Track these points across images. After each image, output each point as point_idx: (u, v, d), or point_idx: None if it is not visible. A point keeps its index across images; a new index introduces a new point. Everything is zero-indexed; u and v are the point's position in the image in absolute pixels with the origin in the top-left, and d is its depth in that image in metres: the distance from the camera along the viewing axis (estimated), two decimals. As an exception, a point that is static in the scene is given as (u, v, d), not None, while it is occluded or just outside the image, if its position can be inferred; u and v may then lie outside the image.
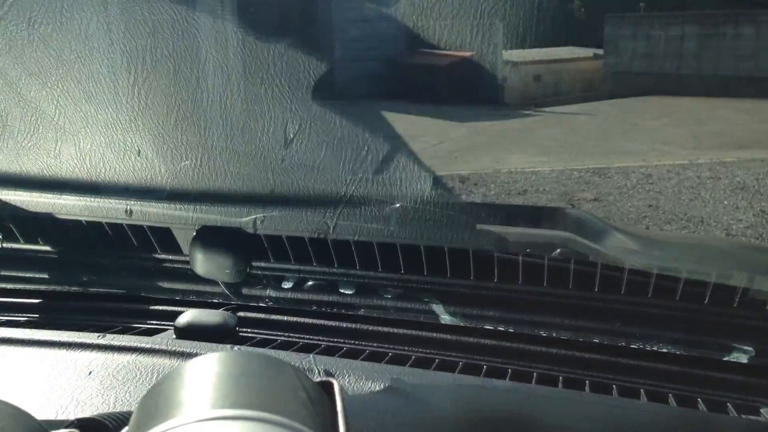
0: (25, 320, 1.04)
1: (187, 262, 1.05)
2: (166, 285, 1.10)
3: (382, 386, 0.76)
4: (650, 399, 0.77)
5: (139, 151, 0.98)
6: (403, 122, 0.95)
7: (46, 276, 1.15)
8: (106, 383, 0.80)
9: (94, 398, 0.77)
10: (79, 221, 1.12)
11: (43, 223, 1.14)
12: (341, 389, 0.37)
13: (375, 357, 0.88)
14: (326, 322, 0.99)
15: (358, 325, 0.96)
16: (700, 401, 0.77)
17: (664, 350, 0.85)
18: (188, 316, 0.96)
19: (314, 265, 1.03)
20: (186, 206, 1.01)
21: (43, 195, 1.05)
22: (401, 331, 0.95)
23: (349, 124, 0.93)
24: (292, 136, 0.94)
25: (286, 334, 0.98)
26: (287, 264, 1.05)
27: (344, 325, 0.97)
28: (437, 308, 0.96)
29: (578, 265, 0.90)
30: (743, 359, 0.82)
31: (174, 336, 0.95)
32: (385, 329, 0.95)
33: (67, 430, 0.45)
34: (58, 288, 1.14)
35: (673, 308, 0.87)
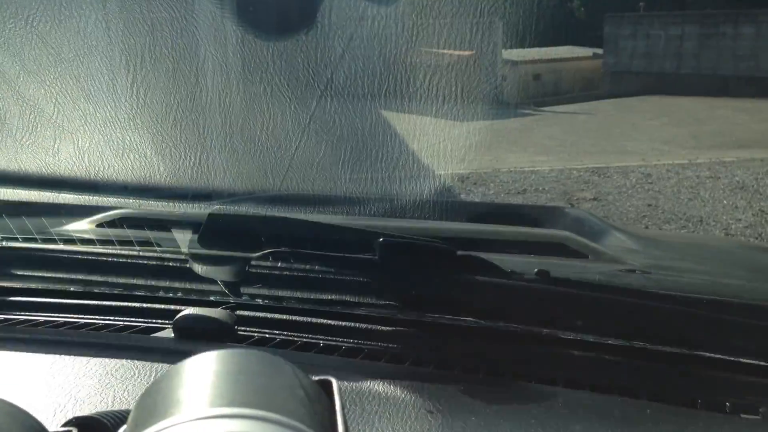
0: (24, 319, 1.04)
1: (186, 261, 1.05)
2: (164, 283, 1.10)
3: (380, 385, 0.76)
4: (649, 398, 0.77)
5: (138, 149, 0.98)
6: (402, 121, 0.95)
7: (44, 274, 1.15)
8: (105, 382, 0.80)
9: (93, 397, 0.77)
10: (78, 219, 1.12)
11: (41, 221, 1.13)
12: (339, 388, 0.37)
13: (374, 356, 0.88)
14: (325, 321, 0.99)
15: (357, 325, 0.96)
16: (699, 401, 0.77)
17: (663, 349, 0.85)
18: (187, 314, 0.96)
19: (313, 264, 1.03)
20: (185, 204, 1.01)
21: (42, 193, 1.05)
22: (400, 330, 0.95)
23: (348, 123, 0.92)
24: (291, 135, 0.94)
25: (285, 332, 0.98)
26: (286, 263, 1.05)
27: (343, 325, 0.97)
28: (436, 307, 0.96)
29: (577, 264, 0.90)
30: (742, 359, 0.82)
31: (172, 334, 0.95)
32: (384, 328, 0.95)
33: (66, 428, 0.45)
34: (56, 286, 1.14)
35: (672, 307, 0.87)
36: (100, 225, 1.14)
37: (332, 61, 0.87)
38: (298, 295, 1.03)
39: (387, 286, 0.99)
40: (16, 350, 0.89)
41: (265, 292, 1.05)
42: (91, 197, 1.04)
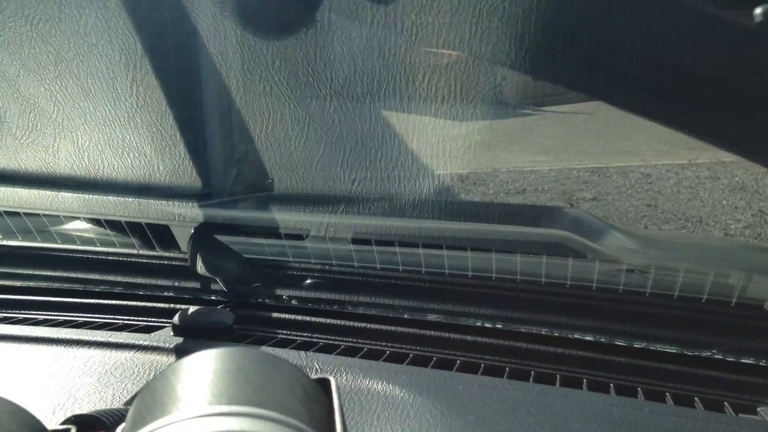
0: (23, 317, 1.04)
1: (186, 260, 1.05)
2: (164, 282, 1.10)
3: (379, 384, 0.76)
4: (647, 398, 0.77)
5: (138, 148, 0.98)
6: (401, 121, 0.95)
7: (43, 273, 1.15)
8: (104, 380, 0.80)
9: (92, 395, 0.77)
10: (77, 218, 1.12)
11: (41, 220, 1.13)
12: (338, 387, 0.37)
13: (373, 355, 0.88)
14: (324, 320, 0.99)
15: (356, 323, 0.97)
16: (698, 400, 0.77)
17: (662, 349, 0.85)
18: (186, 313, 0.96)
19: (312, 263, 1.03)
20: (184, 203, 1.01)
21: (42, 192, 1.05)
22: (399, 329, 0.95)
23: (347, 122, 0.92)
24: (291, 134, 0.94)
25: (284, 331, 0.98)
26: (286, 262, 1.05)
27: (342, 323, 0.97)
28: (435, 306, 0.96)
29: (576, 264, 0.90)
30: (741, 358, 0.83)
31: (172, 333, 0.95)
32: (383, 327, 0.95)
33: (64, 426, 0.45)
34: (56, 285, 1.14)
35: (671, 307, 0.87)
36: (99, 224, 1.14)
37: (332, 61, 0.87)
38: (297, 294, 1.03)
39: (386, 286, 0.99)
40: (15, 348, 0.89)
41: (264, 291, 1.05)
42: (90, 196, 1.04)
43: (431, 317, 0.96)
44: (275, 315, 1.01)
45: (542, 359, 0.87)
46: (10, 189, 1.08)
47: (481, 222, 1.04)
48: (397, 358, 0.86)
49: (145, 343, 0.88)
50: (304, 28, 0.84)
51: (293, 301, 1.03)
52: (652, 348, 0.86)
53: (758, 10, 0.57)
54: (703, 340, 0.85)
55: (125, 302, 1.08)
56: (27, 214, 1.13)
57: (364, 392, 0.75)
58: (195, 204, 1.02)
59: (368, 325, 0.96)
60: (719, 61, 0.64)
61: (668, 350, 0.85)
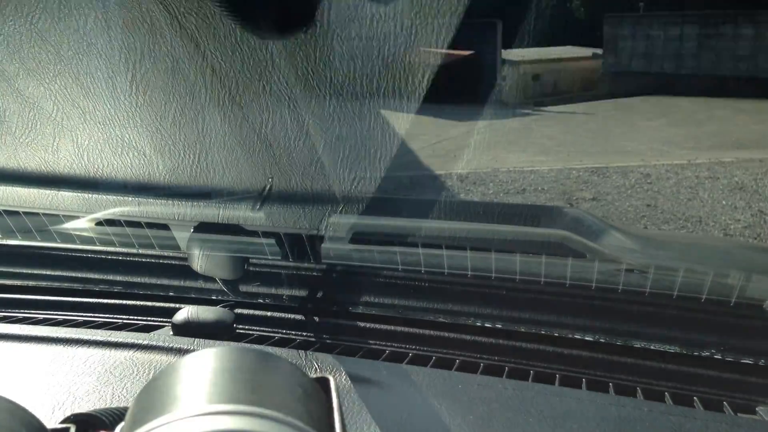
0: (23, 316, 1.04)
1: (185, 259, 1.05)
2: (163, 282, 1.10)
3: (378, 383, 0.76)
4: (646, 397, 0.77)
5: (137, 148, 0.98)
6: (401, 121, 0.95)
7: (43, 272, 1.15)
8: (103, 379, 0.80)
9: (91, 394, 0.77)
10: (77, 217, 1.12)
11: (40, 220, 1.13)
12: (337, 386, 0.37)
13: (372, 354, 0.88)
14: (324, 320, 0.99)
15: (356, 323, 0.97)
16: (697, 400, 0.77)
17: (661, 349, 0.85)
18: (185, 312, 0.96)
19: (312, 263, 1.03)
20: (184, 203, 1.01)
21: (41, 191, 1.05)
22: (398, 328, 0.95)
23: (347, 122, 0.92)
24: (290, 133, 0.94)
25: (284, 331, 0.98)
26: (285, 261, 1.05)
27: (341, 323, 0.97)
28: (434, 306, 0.96)
29: (576, 264, 0.90)
30: (740, 358, 0.83)
31: (171, 333, 0.95)
32: (383, 327, 0.95)
33: (64, 425, 0.45)
34: (55, 284, 1.14)
35: (670, 307, 0.87)
36: (99, 223, 1.14)
37: (331, 60, 0.87)
38: (297, 293, 1.03)
39: (385, 285, 0.99)
40: (15, 347, 0.89)
41: (263, 290, 1.05)
42: (90, 195, 1.04)
43: (430, 317, 0.96)
44: (274, 314, 1.02)
45: (541, 359, 0.87)
46: (10, 188, 1.08)
47: (480, 222, 1.05)
48: (396, 358, 0.86)
49: (145, 342, 0.88)
50: (304, 28, 0.84)
51: (293, 301, 1.03)
52: (652, 348, 0.86)
53: None
54: (702, 339, 0.85)
55: (125, 301, 1.08)
56: (26, 213, 1.13)
57: (363, 391, 0.75)
58: (194, 203, 1.02)
59: (367, 325, 0.96)
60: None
61: (667, 350, 0.85)
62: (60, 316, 1.04)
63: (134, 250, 1.12)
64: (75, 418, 0.46)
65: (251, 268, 1.05)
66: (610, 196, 5.63)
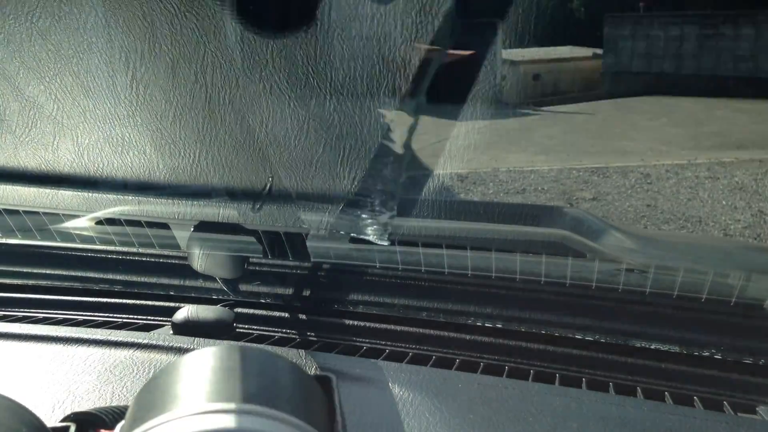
0: (23, 315, 1.04)
1: (185, 258, 1.05)
2: (163, 281, 1.10)
3: (378, 383, 0.76)
4: (647, 397, 0.77)
5: (138, 147, 0.98)
6: (401, 120, 0.95)
7: (43, 271, 1.15)
8: (103, 378, 0.80)
9: (91, 393, 0.77)
10: (77, 216, 1.12)
11: (40, 218, 1.13)
12: (338, 385, 0.37)
13: (372, 354, 0.88)
14: (324, 319, 0.99)
15: (356, 322, 0.97)
16: (697, 399, 0.77)
17: (661, 348, 0.85)
18: (185, 311, 0.96)
19: (312, 262, 1.03)
20: (184, 202, 1.01)
21: (41, 189, 1.05)
22: (398, 328, 0.95)
23: (347, 121, 0.92)
24: (290, 132, 0.94)
25: (284, 330, 0.98)
26: (285, 260, 1.05)
27: (341, 322, 0.97)
28: (434, 305, 0.96)
29: (576, 263, 0.90)
30: (740, 358, 0.83)
31: (171, 332, 0.95)
32: (383, 326, 0.95)
33: (64, 423, 0.45)
34: (55, 283, 1.14)
35: (670, 307, 0.87)
36: (99, 222, 1.14)
37: (332, 59, 0.87)
38: (297, 293, 1.03)
39: (385, 284, 0.99)
40: (15, 346, 0.89)
41: (264, 289, 1.05)
42: (90, 194, 1.04)
43: (431, 316, 0.96)
44: (275, 314, 1.02)
45: (541, 358, 0.87)
46: (10, 187, 1.08)
47: (480, 221, 1.05)
48: (396, 357, 0.86)
49: (145, 341, 0.88)
50: (304, 27, 0.84)
51: (293, 300, 1.03)
52: (652, 347, 0.86)
53: None
54: (702, 339, 0.85)
55: (125, 300, 1.08)
56: (26, 212, 1.13)
57: (363, 390, 0.75)
58: (195, 202, 1.02)
59: (367, 324, 0.96)
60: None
61: (667, 349, 0.85)
62: (60, 315, 1.04)
63: (134, 249, 1.12)
64: (75, 417, 0.46)
65: (251, 268, 1.05)
66: (610, 196, 5.63)
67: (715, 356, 0.83)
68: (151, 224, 1.08)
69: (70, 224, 1.17)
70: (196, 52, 0.89)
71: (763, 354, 0.82)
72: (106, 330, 0.94)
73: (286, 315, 1.01)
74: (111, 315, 1.04)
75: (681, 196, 5.66)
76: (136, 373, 0.81)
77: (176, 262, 1.09)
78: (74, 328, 0.94)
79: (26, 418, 0.37)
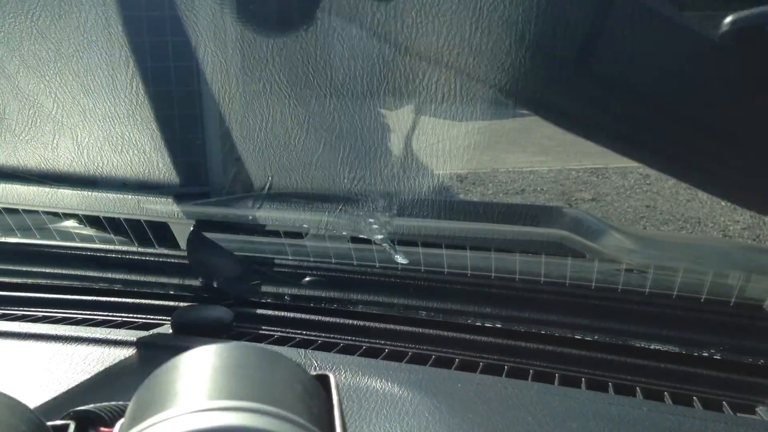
0: (22, 314, 1.04)
1: (185, 257, 1.05)
2: (163, 280, 1.10)
3: (378, 382, 0.76)
4: (646, 397, 0.77)
5: (137, 146, 0.98)
6: (401, 120, 0.95)
7: (42, 270, 1.15)
8: (103, 376, 0.80)
9: (91, 391, 0.77)
10: (76, 215, 1.12)
11: (39, 217, 1.13)
12: (337, 383, 0.37)
13: (371, 353, 0.88)
14: (323, 318, 0.99)
15: (355, 322, 0.97)
16: (696, 399, 0.77)
17: (661, 348, 0.85)
18: (185, 311, 0.96)
19: (312, 261, 1.03)
20: (183, 201, 1.01)
21: (41, 188, 1.05)
22: (398, 327, 0.95)
23: (347, 121, 0.92)
24: (290, 132, 0.94)
25: (284, 329, 0.98)
26: (285, 260, 1.05)
27: (341, 321, 0.97)
28: (434, 305, 0.96)
29: (575, 264, 0.91)
30: (739, 358, 0.83)
31: (170, 331, 0.95)
32: (382, 325, 0.95)
33: (63, 421, 0.45)
34: (54, 282, 1.14)
35: (669, 307, 0.87)
36: (98, 221, 1.14)
37: (332, 59, 0.87)
38: (296, 292, 1.03)
39: (385, 284, 0.99)
40: (14, 345, 0.89)
41: (263, 289, 1.05)
42: (89, 193, 1.04)
43: (430, 316, 0.96)
44: (274, 313, 1.02)
45: (541, 358, 0.87)
46: (9, 186, 1.08)
47: (480, 222, 1.05)
48: (395, 356, 0.86)
49: (144, 340, 0.88)
50: (304, 27, 0.84)
51: (292, 299, 1.03)
52: (651, 347, 0.86)
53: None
54: (701, 339, 0.85)
55: (124, 299, 1.08)
56: (26, 211, 1.13)
57: (363, 390, 0.75)
58: (194, 201, 1.02)
59: (367, 323, 0.96)
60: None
61: (667, 349, 0.85)
62: (59, 313, 1.03)
63: (134, 248, 1.12)
64: (75, 415, 0.46)
65: (250, 267, 1.05)
66: (610, 197, 5.63)
67: (715, 356, 0.83)
68: (151, 223, 1.08)
69: (69, 223, 1.18)
70: (196, 51, 0.89)
71: (762, 354, 0.82)
72: (106, 329, 0.94)
73: (286, 314, 1.01)
74: (110, 314, 1.04)
75: (680, 196, 5.66)
76: (136, 372, 0.81)
77: (175, 261, 1.09)
78: (74, 327, 0.94)
79: (26, 416, 0.37)
